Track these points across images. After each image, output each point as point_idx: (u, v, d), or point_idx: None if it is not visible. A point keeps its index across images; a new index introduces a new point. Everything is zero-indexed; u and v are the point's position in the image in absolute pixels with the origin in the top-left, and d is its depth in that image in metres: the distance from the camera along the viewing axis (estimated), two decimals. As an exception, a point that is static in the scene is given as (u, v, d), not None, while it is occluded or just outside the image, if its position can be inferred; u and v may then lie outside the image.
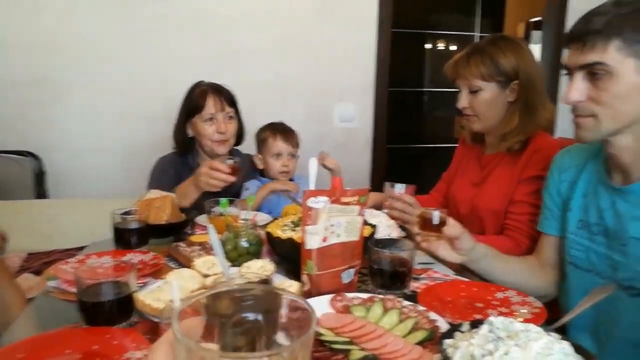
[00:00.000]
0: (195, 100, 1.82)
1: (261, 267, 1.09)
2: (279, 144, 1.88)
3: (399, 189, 1.46)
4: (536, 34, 4.55)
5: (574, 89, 1.00)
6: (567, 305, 1.16)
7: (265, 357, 0.35)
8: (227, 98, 1.85)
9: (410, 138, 4.68)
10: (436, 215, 1.15)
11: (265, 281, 0.94)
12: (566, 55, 1.03)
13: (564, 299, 1.20)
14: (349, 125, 3.03)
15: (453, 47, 4.70)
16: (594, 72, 0.97)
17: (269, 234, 1.20)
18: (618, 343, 1.07)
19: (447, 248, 1.15)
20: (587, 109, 1.00)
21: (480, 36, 4.59)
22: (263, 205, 1.78)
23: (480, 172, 1.59)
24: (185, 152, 1.90)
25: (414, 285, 1.10)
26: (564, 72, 1.05)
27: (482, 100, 1.47)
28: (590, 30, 0.96)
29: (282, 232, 1.19)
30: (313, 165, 1.42)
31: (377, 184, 1.59)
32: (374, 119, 3.05)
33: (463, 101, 1.51)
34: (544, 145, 1.43)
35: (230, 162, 1.58)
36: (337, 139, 2.98)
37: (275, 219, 1.39)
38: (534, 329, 0.72)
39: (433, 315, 0.88)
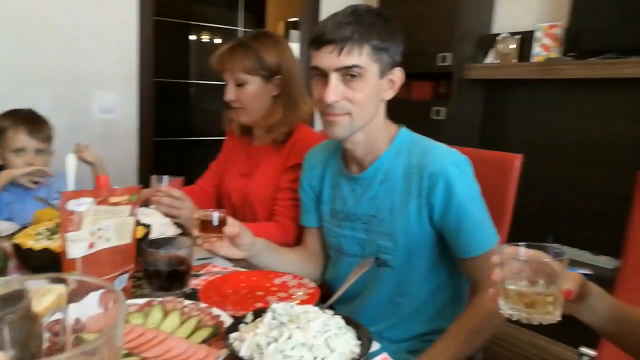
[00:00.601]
0: None
1: (9, 285, 0.91)
2: (21, 138, 1.60)
3: (165, 182, 1.40)
4: (294, 33, 4.90)
5: (332, 89, 1.06)
6: (335, 283, 1.28)
7: None
8: None
9: (179, 131, 4.55)
10: (216, 217, 1.13)
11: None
12: (317, 57, 1.08)
13: (332, 278, 1.32)
14: (110, 116, 2.78)
15: (218, 40, 4.73)
16: (351, 74, 1.06)
17: (17, 246, 1.02)
18: (372, 306, 1.23)
19: (228, 246, 1.15)
20: (344, 108, 1.09)
21: (244, 31, 4.73)
22: (2, 212, 1.50)
23: (248, 163, 1.64)
24: None
25: (194, 283, 1.07)
26: (315, 73, 1.10)
27: (248, 93, 1.51)
28: (347, 37, 1.04)
29: (35, 242, 1.02)
30: (71, 162, 1.25)
31: (145, 179, 1.49)
32: (139, 110, 2.86)
33: (230, 94, 1.53)
34: (305, 135, 1.54)
35: None
36: (97, 131, 2.71)
37: (24, 227, 1.18)
38: (312, 310, 0.77)
39: (216, 311, 0.87)
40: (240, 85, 1.51)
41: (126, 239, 0.95)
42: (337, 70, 1.06)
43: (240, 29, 4.73)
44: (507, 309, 0.71)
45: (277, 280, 1.10)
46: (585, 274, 2.36)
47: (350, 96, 1.08)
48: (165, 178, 1.42)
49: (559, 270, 0.69)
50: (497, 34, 2.87)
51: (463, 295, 1.26)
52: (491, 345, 2.08)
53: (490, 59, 2.92)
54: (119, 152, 2.79)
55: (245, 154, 1.67)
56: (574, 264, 2.35)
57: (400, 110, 3.37)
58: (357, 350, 0.71)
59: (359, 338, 0.75)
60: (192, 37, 4.61)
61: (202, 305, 0.89)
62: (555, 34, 2.60)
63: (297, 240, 1.45)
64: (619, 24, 2.35)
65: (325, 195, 1.30)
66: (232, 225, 1.13)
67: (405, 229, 1.14)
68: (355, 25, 1.06)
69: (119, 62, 2.75)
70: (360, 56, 1.06)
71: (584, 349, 1.19)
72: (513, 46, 2.78)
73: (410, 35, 2.98)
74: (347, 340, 0.72)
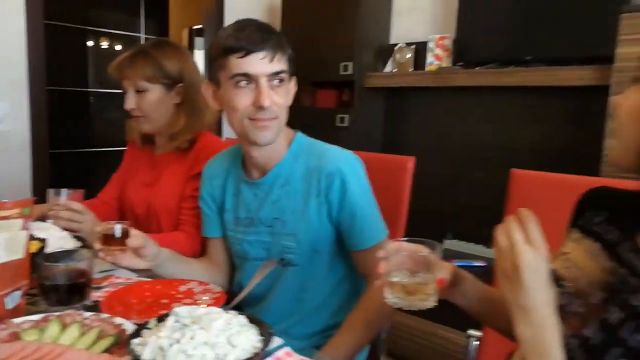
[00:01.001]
0: None
1: None
2: None
3: (64, 195, 1.35)
4: (199, 41, 4.84)
5: (268, 94, 1.11)
6: (242, 288, 1.31)
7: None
8: None
9: (79, 142, 4.31)
10: (118, 229, 1.11)
11: None
12: (246, 64, 1.10)
13: (240, 285, 1.34)
14: (-2, 128, 2.59)
15: (118, 47, 4.56)
16: (279, 79, 1.13)
17: None
18: (278, 305, 1.27)
19: (132, 257, 1.13)
20: (274, 112, 1.13)
21: (146, 38, 4.60)
22: None
23: (152, 173, 1.61)
24: None
25: (95, 295, 1.04)
26: (239, 80, 1.11)
27: (149, 101, 1.50)
28: (275, 45, 1.11)
29: None
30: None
31: (41, 194, 1.42)
32: (31, 120, 2.69)
33: (130, 103, 1.51)
34: (209, 143, 1.55)
35: None
36: (-18, 144, 2.51)
37: None
38: (215, 311, 0.79)
39: (118, 320, 0.86)
40: (140, 93, 1.49)
41: (18, 254, 0.92)
42: (268, 76, 1.11)
43: (142, 35, 4.59)
44: (391, 298, 0.78)
45: (183, 288, 1.10)
46: (480, 266, 2.56)
47: (277, 100, 1.14)
48: (64, 191, 1.37)
49: (434, 262, 0.78)
50: (395, 44, 3.05)
51: (363, 290, 1.34)
52: (393, 337, 2.21)
53: (389, 68, 3.09)
54: (9, 166, 2.60)
55: (148, 164, 1.64)
56: (470, 257, 2.56)
57: (306, 118, 3.45)
58: (259, 345, 0.75)
59: (261, 334, 0.78)
60: (90, 43, 4.40)
61: (104, 316, 0.88)
62: (445, 45, 2.82)
63: (205, 248, 1.46)
64: (498, 37, 2.61)
65: (228, 204, 1.32)
66: (136, 237, 1.11)
67: (307, 228, 1.20)
68: (276, 36, 1.14)
69: (5, 68, 2.57)
70: (285, 63, 1.14)
71: (471, 331, 1.32)
72: (409, 56, 2.97)
73: (315, 45, 3.11)
74: (249, 337, 0.75)
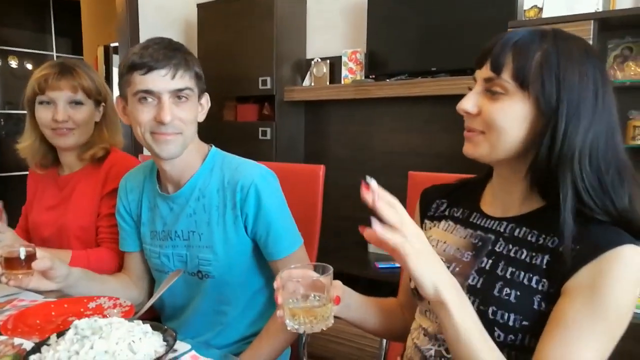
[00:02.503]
0: None
1: None
2: None
3: None
4: (117, 58, 4.72)
5: (169, 110, 1.12)
6: (162, 302, 1.31)
7: None
8: None
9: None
10: (22, 252, 1.08)
11: None
12: (148, 81, 1.12)
13: (158, 298, 1.34)
14: None
15: (29, 66, 4.36)
16: (183, 96, 1.15)
17: None
18: (199, 318, 1.29)
19: (39, 279, 1.10)
20: (177, 127, 1.15)
21: (57, 56, 4.43)
22: None
23: (59, 194, 1.58)
24: None
25: (-4, 320, 1.01)
26: (142, 96, 1.13)
27: (84, 114, 1.50)
28: (178, 63, 1.13)
29: None
30: None
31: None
32: None
33: (63, 114, 1.46)
34: (119, 160, 1.55)
35: None
36: None
37: None
38: (116, 321, 0.80)
39: (18, 341, 0.85)
40: (74, 106, 1.48)
41: None
42: (170, 92, 1.13)
43: (54, 53, 4.43)
44: (293, 325, 0.77)
45: (92, 304, 1.10)
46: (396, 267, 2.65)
47: (181, 116, 1.15)
48: None
49: (327, 283, 0.79)
50: (311, 59, 3.15)
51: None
52: (312, 340, 2.27)
53: (307, 81, 3.19)
54: None
55: (54, 186, 1.60)
56: (388, 259, 2.68)
57: (229, 132, 3.47)
58: (162, 350, 0.77)
59: (165, 340, 0.80)
60: (-3, 63, 4.18)
61: (2, 338, 0.87)
62: (358, 59, 2.95)
63: (123, 263, 1.44)
64: (405, 50, 2.77)
65: (144, 218, 1.33)
66: (43, 259, 1.08)
67: (224, 240, 1.22)
68: (181, 54, 1.16)
69: None
70: (189, 80, 1.16)
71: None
72: (325, 70, 3.08)
73: (233, 60, 3.15)
74: (151, 343, 0.77)
